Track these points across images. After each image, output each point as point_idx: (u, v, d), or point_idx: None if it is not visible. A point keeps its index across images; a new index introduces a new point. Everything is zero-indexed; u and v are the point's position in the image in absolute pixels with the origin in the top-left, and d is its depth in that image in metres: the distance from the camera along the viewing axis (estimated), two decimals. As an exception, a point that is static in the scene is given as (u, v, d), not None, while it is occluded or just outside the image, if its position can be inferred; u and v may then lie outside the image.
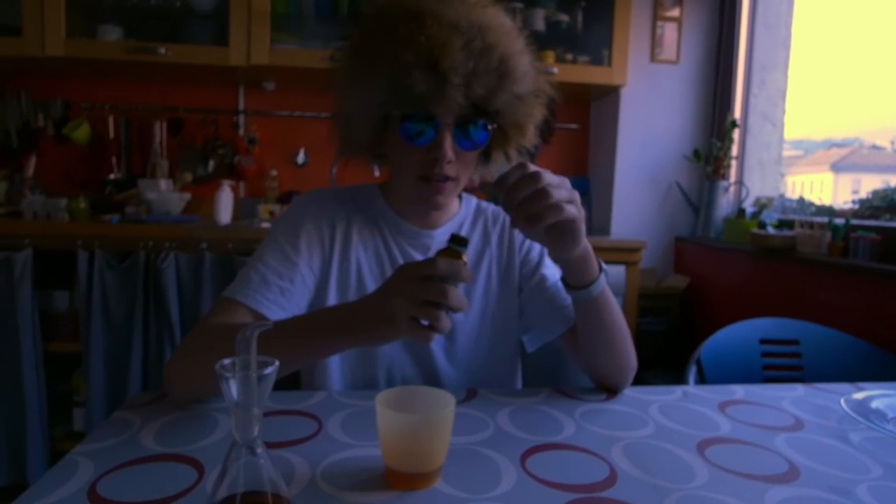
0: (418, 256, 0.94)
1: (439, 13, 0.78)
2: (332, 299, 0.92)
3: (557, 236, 0.73)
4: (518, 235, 1.01)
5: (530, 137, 0.90)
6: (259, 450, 0.47)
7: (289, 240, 0.89)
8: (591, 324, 0.86)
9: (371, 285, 0.93)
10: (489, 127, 0.84)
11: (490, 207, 1.05)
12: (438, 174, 0.84)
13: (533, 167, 0.68)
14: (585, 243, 0.77)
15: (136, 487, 0.57)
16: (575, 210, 0.70)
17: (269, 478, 0.48)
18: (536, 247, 1.02)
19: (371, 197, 0.98)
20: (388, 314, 0.63)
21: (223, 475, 0.47)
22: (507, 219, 1.01)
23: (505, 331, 1.00)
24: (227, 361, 0.46)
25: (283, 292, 0.85)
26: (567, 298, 0.96)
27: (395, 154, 0.88)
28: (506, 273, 1.00)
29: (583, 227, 0.73)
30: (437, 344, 0.95)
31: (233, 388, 0.45)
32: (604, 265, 0.83)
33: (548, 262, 1.01)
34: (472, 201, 1.04)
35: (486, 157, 0.92)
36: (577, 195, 0.71)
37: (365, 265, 0.94)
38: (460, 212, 1.01)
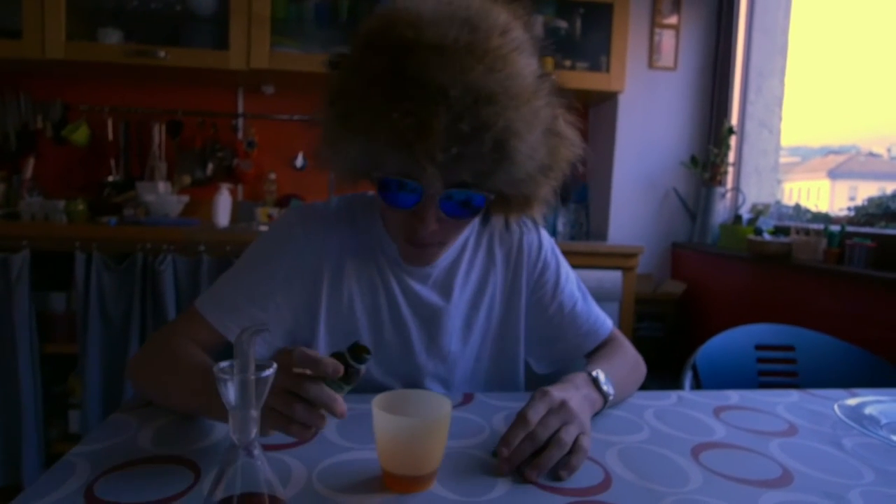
0: (416, 287, 0.89)
1: (428, 74, 0.62)
2: (321, 330, 0.87)
3: None
4: (529, 255, 0.95)
5: (538, 209, 0.78)
6: (256, 451, 0.48)
7: (269, 265, 0.84)
8: None
9: (362, 317, 0.88)
10: (486, 196, 0.74)
11: (497, 223, 0.93)
12: (419, 241, 0.77)
13: (541, 409, 0.67)
14: (589, 419, 0.74)
15: (132, 489, 0.57)
16: (577, 461, 0.66)
17: (265, 479, 0.48)
18: (551, 267, 0.96)
19: (371, 219, 0.89)
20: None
21: (220, 477, 0.47)
22: (517, 239, 0.94)
23: (505, 355, 0.96)
24: (224, 364, 0.46)
25: (253, 320, 0.81)
26: (583, 326, 0.95)
27: (383, 206, 0.79)
28: (510, 297, 0.95)
29: (588, 431, 0.70)
30: (432, 378, 0.92)
31: (231, 391, 0.46)
32: (609, 394, 0.79)
33: (563, 284, 0.96)
34: None
35: (484, 219, 0.85)
36: (585, 426, 0.70)
37: (357, 296, 0.87)
38: (464, 231, 0.91)
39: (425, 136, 0.62)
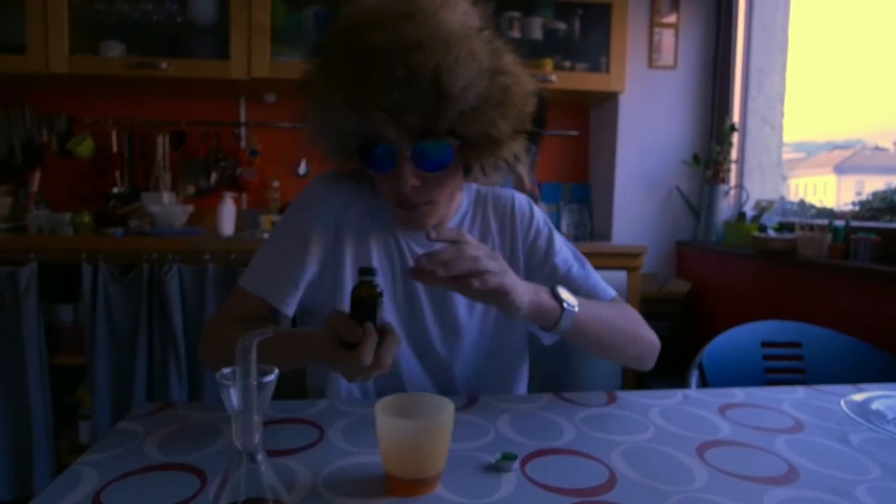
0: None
1: (363, 39, 0.73)
2: (346, 288, 0.90)
3: (495, 301, 0.74)
4: (521, 222, 0.99)
5: (507, 147, 0.81)
6: (259, 457, 0.48)
7: (299, 230, 0.90)
8: (581, 344, 0.86)
9: (381, 280, 0.92)
10: (450, 143, 0.79)
11: (490, 193, 1.01)
12: (406, 201, 0.82)
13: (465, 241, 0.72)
14: (527, 301, 0.76)
15: (139, 497, 0.58)
16: (497, 280, 0.71)
17: (269, 485, 0.48)
18: (543, 233, 0.99)
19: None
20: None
21: (224, 483, 0.47)
22: (509, 204, 1.00)
23: (509, 324, 0.98)
24: (227, 371, 0.47)
25: (292, 281, 0.88)
26: (580, 289, 0.95)
27: (374, 179, 0.87)
28: (509, 263, 0.96)
29: (512, 290, 0.73)
30: (442, 343, 0.94)
31: (233, 397, 0.46)
32: (567, 303, 0.80)
33: (557, 250, 0.98)
34: (472, 190, 1.01)
35: (466, 171, 0.87)
36: (502, 265, 0.73)
37: (376, 259, 0.92)
38: (462, 205, 0.98)
39: (365, 89, 0.72)
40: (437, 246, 0.93)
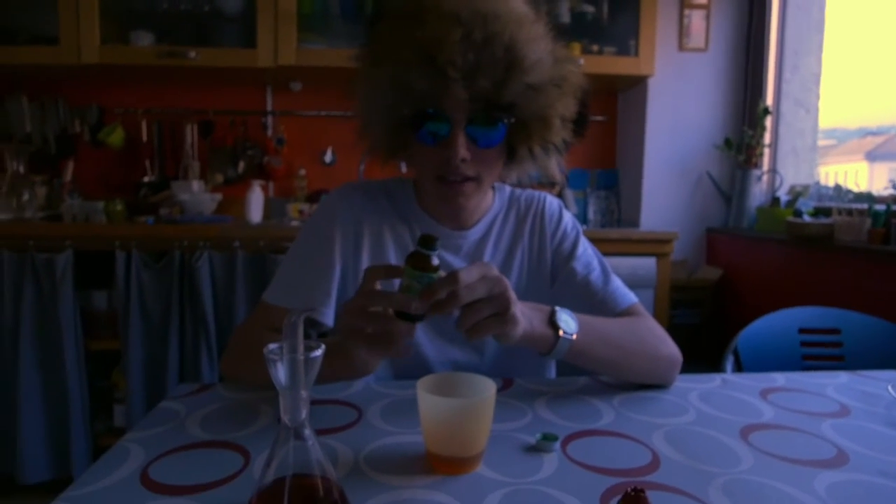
0: (450, 258, 0.93)
1: (439, 5, 0.76)
2: None
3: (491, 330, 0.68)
4: (550, 223, 0.98)
5: (556, 131, 0.83)
6: (307, 432, 0.48)
7: (322, 239, 0.90)
8: (583, 365, 0.81)
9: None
10: (506, 121, 0.81)
11: (522, 195, 1.01)
12: (454, 174, 0.82)
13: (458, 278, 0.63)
14: (519, 333, 0.68)
15: (186, 472, 0.59)
16: (488, 309, 0.65)
17: (317, 460, 0.48)
18: (570, 237, 0.98)
19: (405, 196, 0.96)
20: (346, 357, 0.66)
21: (271, 458, 0.48)
22: (539, 205, 1.00)
23: None
24: (274, 346, 0.47)
25: (323, 292, 0.87)
26: (598, 294, 0.93)
27: (415, 154, 0.87)
28: (538, 265, 0.98)
29: (511, 320, 0.66)
30: (461, 348, 0.93)
31: (280, 372, 0.46)
32: (564, 331, 0.75)
33: (580, 254, 0.96)
34: (505, 191, 1.01)
35: (510, 154, 0.87)
36: (501, 287, 0.65)
37: (394, 262, 0.92)
38: (494, 205, 0.98)
39: (444, 47, 0.73)
40: (465, 248, 0.94)
